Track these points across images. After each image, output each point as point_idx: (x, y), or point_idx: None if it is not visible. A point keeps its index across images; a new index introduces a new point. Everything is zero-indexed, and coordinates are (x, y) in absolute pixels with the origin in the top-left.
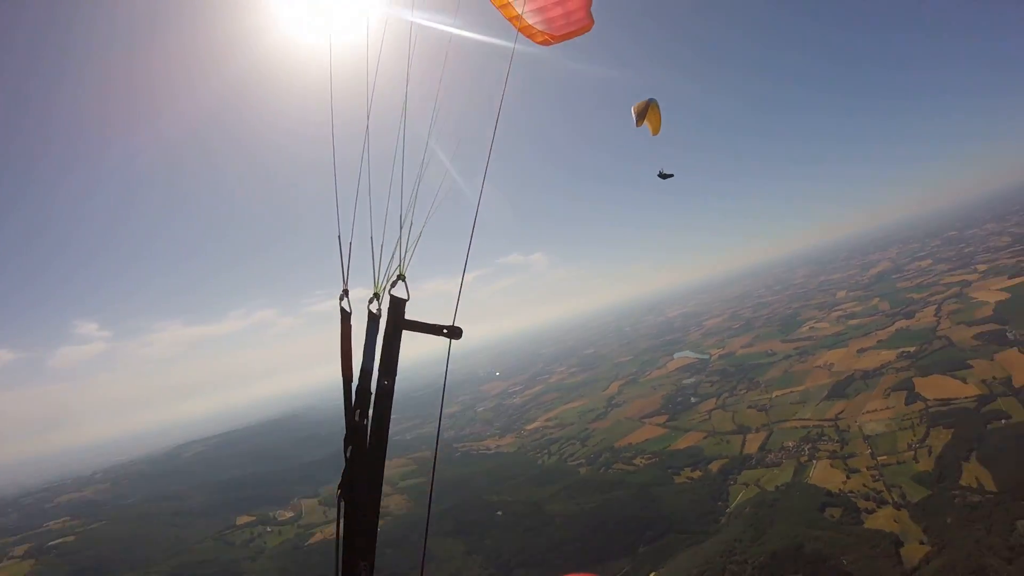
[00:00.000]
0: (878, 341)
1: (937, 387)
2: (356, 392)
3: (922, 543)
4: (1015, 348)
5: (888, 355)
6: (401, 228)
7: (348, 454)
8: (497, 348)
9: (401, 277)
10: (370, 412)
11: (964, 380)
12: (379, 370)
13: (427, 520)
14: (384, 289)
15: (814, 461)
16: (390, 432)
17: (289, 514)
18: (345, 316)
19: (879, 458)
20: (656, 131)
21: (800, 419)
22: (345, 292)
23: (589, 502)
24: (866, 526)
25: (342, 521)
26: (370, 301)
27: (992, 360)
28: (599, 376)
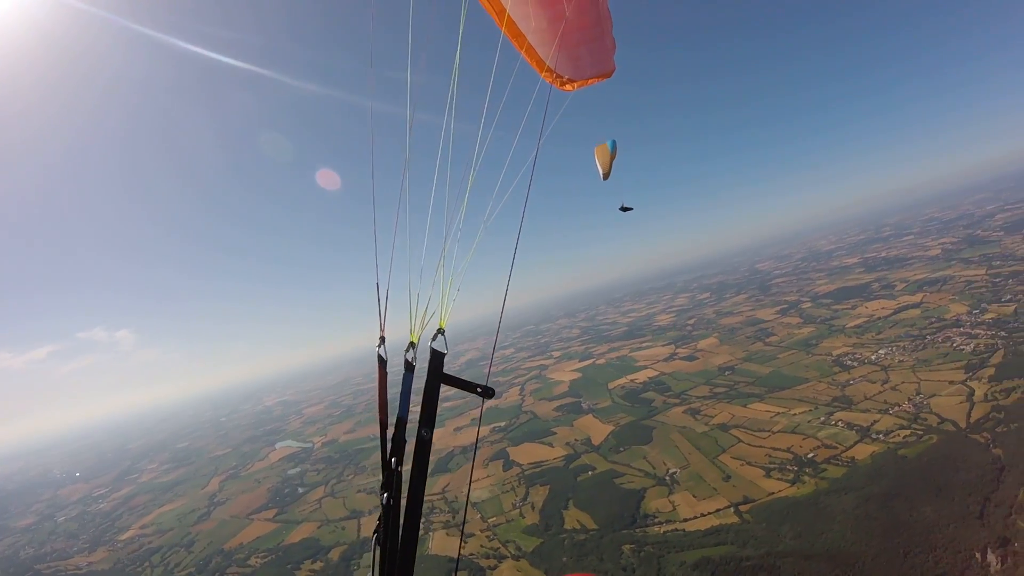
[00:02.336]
0: (472, 420)
1: (529, 453)
2: (392, 440)
3: None
4: (589, 415)
5: (482, 431)
6: (443, 280)
7: (384, 501)
8: (76, 443)
9: (440, 331)
10: (402, 460)
11: (551, 445)
12: (420, 421)
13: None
14: (419, 338)
15: (431, 533)
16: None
17: None
18: (382, 363)
19: (489, 520)
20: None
21: None
22: (382, 339)
23: None
24: None
25: (377, 569)
26: (407, 350)
27: (572, 426)
28: (196, 472)
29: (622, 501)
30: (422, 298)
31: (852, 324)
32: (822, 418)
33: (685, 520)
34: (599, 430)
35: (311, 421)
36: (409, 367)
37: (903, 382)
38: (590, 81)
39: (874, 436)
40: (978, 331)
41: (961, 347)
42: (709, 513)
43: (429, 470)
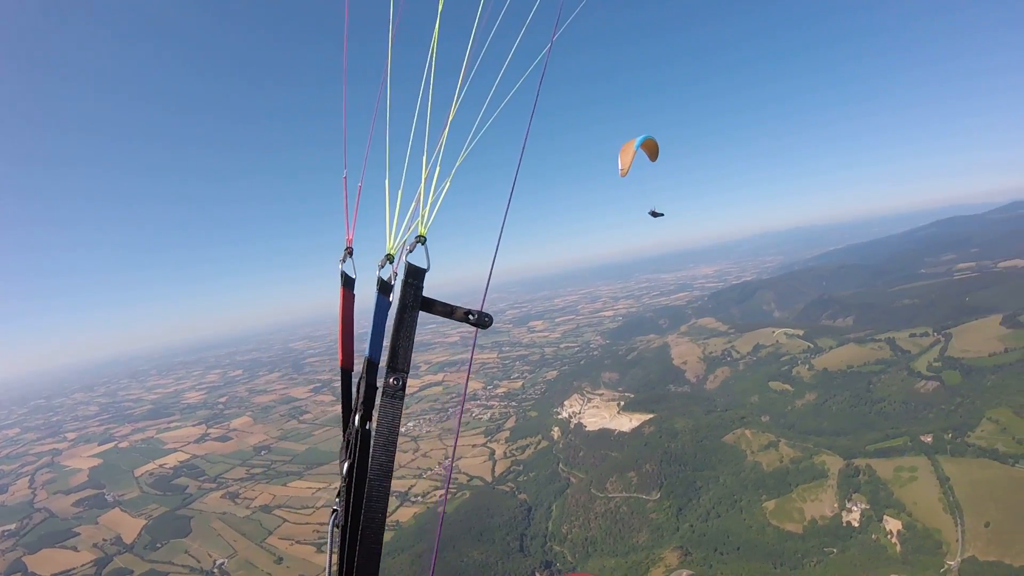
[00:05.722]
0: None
1: (51, 561)
2: (359, 388)
3: None
4: (117, 508)
5: None
6: (424, 174)
7: (345, 470)
8: None
9: (421, 240)
10: (371, 415)
11: (76, 548)
12: (389, 363)
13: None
14: (402, 251)
15: None
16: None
17: None
18: (347, 283)
19: None
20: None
21: None
22: (348, 251)
23: None
24: None
25: (335, 554)
26: (381, 265)
27: (98, 523)
28: None
29: None
30: (405, 196)
31: None
32: None
33: None
34: (130, 526)
35: None
36: (385, 288)
37: (432, 449)
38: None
39: (414, 499)
40: (493, 403)
41: (480, 416)
42: None
43: (401, 429)
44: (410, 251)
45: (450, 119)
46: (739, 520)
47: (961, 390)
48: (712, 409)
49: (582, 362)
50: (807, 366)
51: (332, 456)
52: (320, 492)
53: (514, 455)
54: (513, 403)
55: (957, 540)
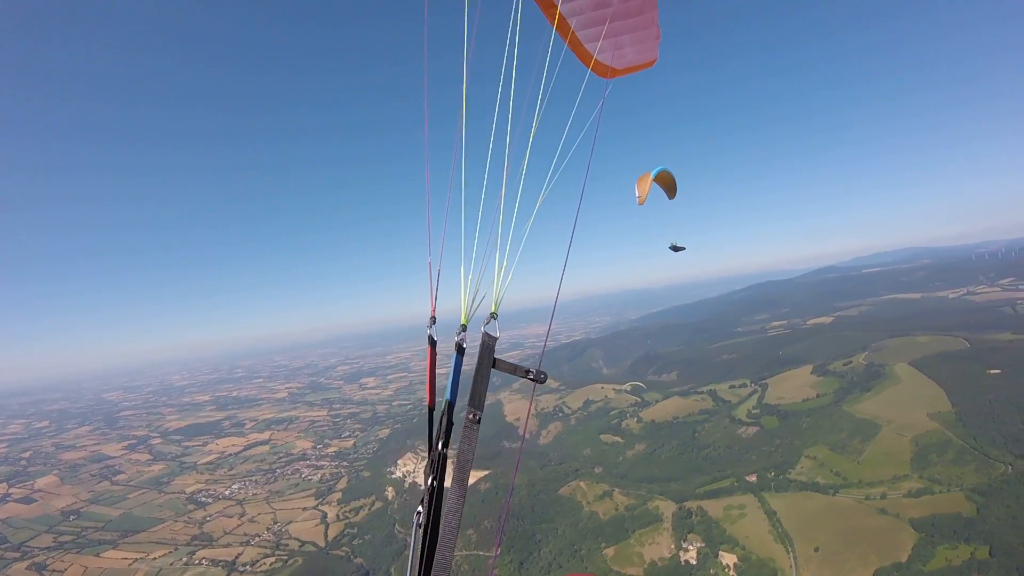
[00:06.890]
0: None
1: None
2: (441, 422)
3: None
4: None
5: None
6: (498, 265)
7: (429, 483)
8: None
9: (494, 316)
10: (448, 443)
11: None
12: (470, 403)
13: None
14: (469, 319)
15: None
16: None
17: None
18: (432, 343)
19: None
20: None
21: None
22: (433, 320)
23: None
24: None
25: (418, 552)
26: (457, 333)
27: None
28: None
29: None
30: (473, 280)
31: (204, 461)
32: (184, 559)
33: None
34: None
35: None
36: (460, 350)
37: (260, 513)
38: (632, 69)
39: (241, 569)
40: (323, 463)
41: (310, 477)
42: None
43: (476, 454)
44: (486, 323)
45: (505, 228)
46: (581, 569)
47: (779, 433)
48: (547, 463)
49: (415, 420)
50: (636, 419)
51: (151, 522)
52: (137, 563)
53: (347, 517)
54: (345, 463)
55: (791, 566)
